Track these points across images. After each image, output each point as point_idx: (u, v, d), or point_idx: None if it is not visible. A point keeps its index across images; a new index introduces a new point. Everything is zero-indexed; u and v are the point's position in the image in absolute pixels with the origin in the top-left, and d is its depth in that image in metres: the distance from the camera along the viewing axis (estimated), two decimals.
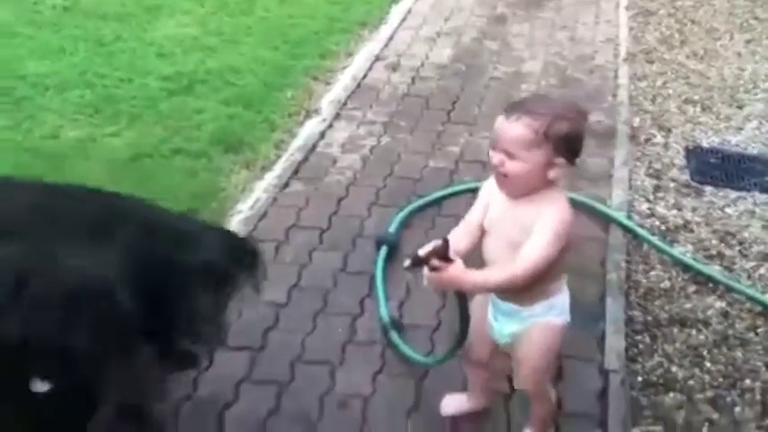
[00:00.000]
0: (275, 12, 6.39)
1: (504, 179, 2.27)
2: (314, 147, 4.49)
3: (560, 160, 2.23)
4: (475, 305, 2.62)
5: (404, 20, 6.30)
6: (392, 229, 3.72)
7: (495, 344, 2.59)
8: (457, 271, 2.16)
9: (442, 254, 2.15)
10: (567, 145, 2.23)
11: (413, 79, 5.38)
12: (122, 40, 5.68)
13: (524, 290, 2.33)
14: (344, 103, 4.98)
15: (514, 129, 2.19)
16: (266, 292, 3.12)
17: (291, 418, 2.82)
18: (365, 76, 5.35)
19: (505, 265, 2.29)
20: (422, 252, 2.15)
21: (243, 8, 6.40)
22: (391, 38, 5.96)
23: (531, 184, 2.26)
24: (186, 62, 5.41)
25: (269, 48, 5.73)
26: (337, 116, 4.84)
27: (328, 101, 5.07)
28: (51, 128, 4.58)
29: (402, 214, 3.86)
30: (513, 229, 2.29)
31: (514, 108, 2.24)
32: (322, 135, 4.61)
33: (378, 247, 3.62)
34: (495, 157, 2.25)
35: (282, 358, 3.05)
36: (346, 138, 4.62)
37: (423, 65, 5.59)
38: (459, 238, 2.36)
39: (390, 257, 3.57)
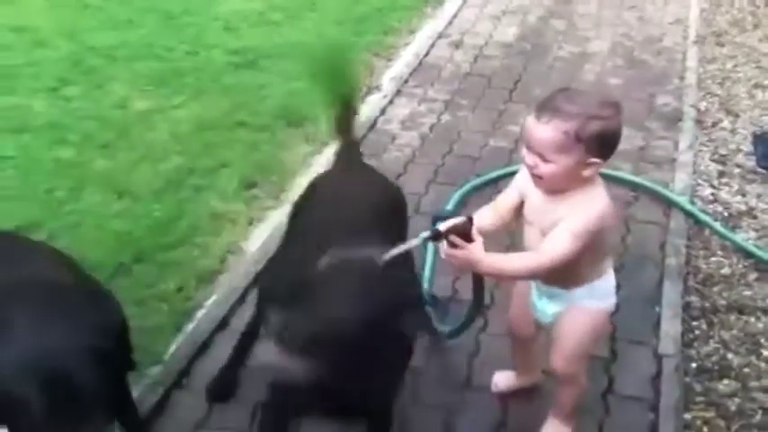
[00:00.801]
0: None
1: (539, 180, 2.26)
2: (374, 123, 4.51)
3: (595, 159, 2.21)
4: (519, 283, 2.64)
5: None
6: (449, 206, 3.73)
7: (538, 323, 2.60)
8: (475, 251, 2.15)
9: (463, 232, 2.14)
10: (601, 144, 2.20)
11: (476, 58, 5.35)
12: (189, 13, 5.76)
13: (565, 274, 2.33)
14: (406, 80, 4.99)
15: (545, 132, 2.17)
16: None
17: None
18: (427, 54, 5.35)
19: (524, 255, 2.31)
20: (443, 227, 2.15)
21: None
22: (455, 15, 5.93)
23: (566, 184, 2.24)
24: (252, 37, 5.47)
25: (332, 24, 5.75)
26: (398, 93, 4.85)
27: (389, 77, 5.09)
28: (119, 98, 4.69)
29: (460, 192, 3.87)
30: (547, 221, 2.28)
31: (545, 108, 2.19)
32: (382, 111, 4.64)
33: (434, 224, 3.63)
34: (529, 159, 2.23)
35: None
36: (406, 115, 4.64)
37: (486, 43, 5.56)
38: (483, 218, 2.37)
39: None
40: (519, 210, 2.41)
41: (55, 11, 5.68)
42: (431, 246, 3.44)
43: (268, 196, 3.97)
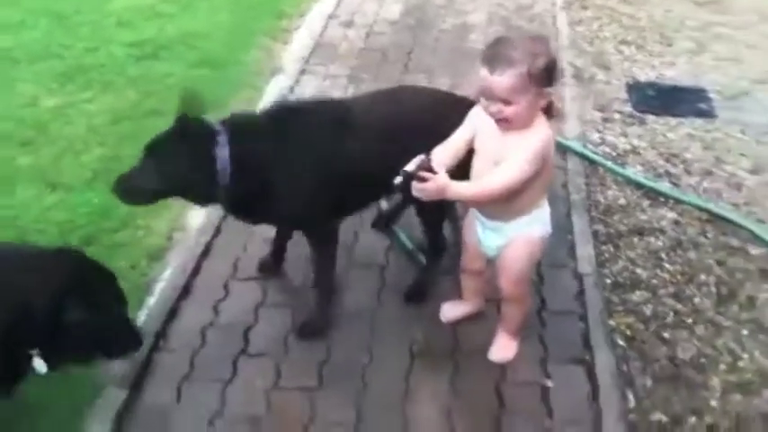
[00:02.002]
0: None
1: (505, 123, 2.57)
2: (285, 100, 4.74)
3: (547, 90, 2.56)
4: (466, 226, 2.98)
5: None
6: None
7: (486, 256, 2.94)
8: (441, 180, 2.49)
9: (427, 167, 2.47)
10: (548, 75, 2.55)
11: (367, 35, 5.67)
12: (81, 12, 5.79)
13: (507, 206, 2.68)
14: (307, 60, 5.24)
15: (503, 81, 2.48)
16: (265, 228, 3.48)
17: None
18: (321, 34, 5.62)
19: (484, 180, 2.64)
20: (409, 168, 2.48)
21: None
22: None
23: (529, 118, 2.58)
24: (147, 29, 5.57)
25: (223, 12, 5.92)
26: (302, 72, 5.11)
27: (290, 59, 5.31)
28: (29, 97, 4.72)
29: None
30: (500, 152, 2.61)
31: (494, 60, 2.50)
32: (291, 90, 4.88)
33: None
34: (493, 107, 2.55)
35: (292, 285, 3.37)
36: (314, 91, 4.89)
37: (375, 21, 5.88)
38: (443, 154, 2.68)
39: None
40: (470, 143, 2.73)
41: None
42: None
43: None
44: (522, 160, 2.56)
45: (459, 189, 2.55)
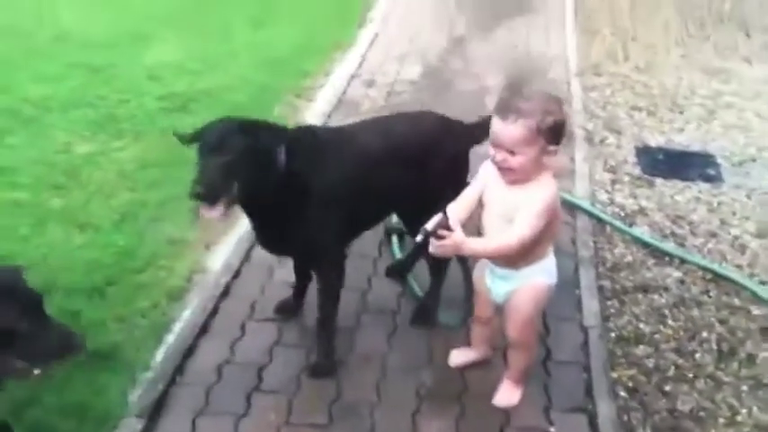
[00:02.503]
0: (251, 38, 6.86)
1: (509, 172, 2.74)
2: None
3: (552, 147, 2.73)
4: (476, 276, 3.13)
5: (372, 42, 6.83)
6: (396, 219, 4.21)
7: (495, 304, 3.08)
8: (458, 238, 2.64)
9: (445, 225, 2.63)
10: (556, 133, 2.72)
11: (388, 93, 5.90)
12: (114, 66, 6.08)
13: (517, 256, 2.83)
14: (329, 116, 5.46)
15: (514, 130, 2.65)
16: (284, 272, 3.66)
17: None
18: (344, 92, 5.85)
19: (499, 236, 2.78)
20: (429, 226, 2.64)
21: (221, 36, 6.86)
22: (364, 58, 6.48)
23: (532, 171, 2.73)
24: (177, 84, 5.84)
25: (251, 69, 6.18)
26: None
27: (313, 114, 5.54)
28: (62, 144, 4.95)
29: None
30: (508, 206, 2.77)
31: (507, 110, 2.67)
32: None
33: (388, 235, 4.11)
34: (499, 155, 2.72)
35: (307, 327, 3.51)
36: None
37: (395, 81, 6.12)
38: (458, 210, 2.84)
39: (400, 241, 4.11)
40: (479, 200, 2.90)
41: None
42: (397, 250, 3.99)
43: (219, 224, 4.31)
44: (533, 216, 2.71)
45: (474, 246, 2.72)
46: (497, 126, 2.68)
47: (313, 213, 3.01)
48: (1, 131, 5.04)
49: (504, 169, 2.73)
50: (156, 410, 3.04)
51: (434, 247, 2.65)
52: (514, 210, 2.74)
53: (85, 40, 6.53)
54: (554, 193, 2.78)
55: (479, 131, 3.14)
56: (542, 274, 2.93)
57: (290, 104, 5.68)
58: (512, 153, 2.67)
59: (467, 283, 2.94)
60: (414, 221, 2.90)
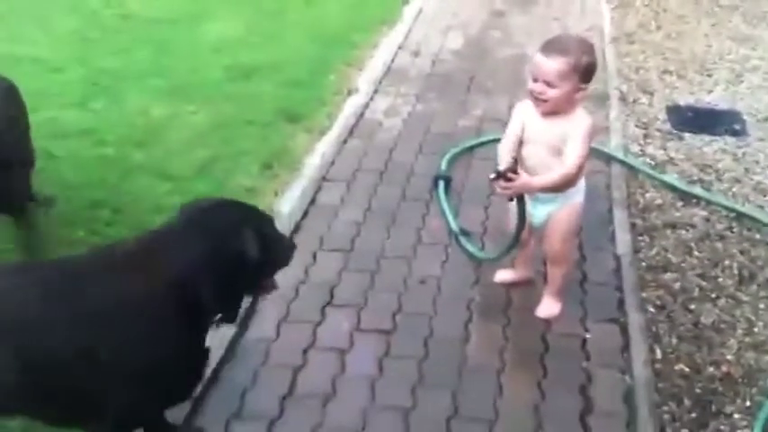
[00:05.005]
0: (304, 14, 7.33)
1: (544, 103, 3.16)
2: (362, 114, 5.41)
3: (584, 85, 3.15)
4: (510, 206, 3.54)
5: (416, 17, 7.26)
6: (443, 167, 4.66)
7: (533, 227, 3.50)
8: (526, 179, 3.07)
9: (514, 169, 3.06)
10: (588, 73, 3.15)
11: (433, 62, 6.33)
12: (179, 40, 6.58)
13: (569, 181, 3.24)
14: (380, 82, 5.90)
15: (553, 65, 3.07)
16: (346, 213, 4.15)
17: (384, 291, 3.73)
18: (393, 61, 6.29)
19: (557, 169, 3.17)
20: (502, 168, 3.05)
21: (275, 12, 7.34)
22: (409, 31, 6.91)
23: (564, 105, 3.16)
24: (238, 56, 6.32)
25: (305, 43, 6.64)
26: (375, 92, 5.76)
27: (365, 81, 5.99)
28: (139, 108, 5.46)
29: (447, 158, 4.79)
30: (553, 138, 3.18)
31: (550, 47, 3.11)
32: (366, 106, 5.53)
33: (435, 182, 4.55)
34: (538, 87, 3.14)
35: (370, 256, 3.97)
36: (387, 107, 5.54)
37: (440, 51, 6.54)
38: (507, 152, 3.28)
39: (446, 189, 4.52)
40: (520, 136, 3.32)
41: (59, 44, 6.43)
42: (443, 197, 4.36)
43: (285, 173, 4.79)
44: (582, 142, 3.13)
45: (542, 182, 3.15)
46: (540, 59, 3.10)
47: None
48: (84, 98, 5.55)
49: (539, 100, 3.15)
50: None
51: (501, 188, 3.05)
52: (560, 140, 3.15)
53: (149, 17, 7.04)
54: (591, 121, 3.20)
55: None
56: (577, 193, 3.36)
57: (342, 73, 6.13)
58: (549, 85, 3.09)
59: (520, 219, 3.32)
60: None
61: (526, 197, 3.40)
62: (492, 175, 3.04)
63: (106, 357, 2.38)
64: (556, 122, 3.19)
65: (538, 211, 3.43)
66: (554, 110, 3.17)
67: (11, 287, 2.47)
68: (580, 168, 3.17)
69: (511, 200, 3.20)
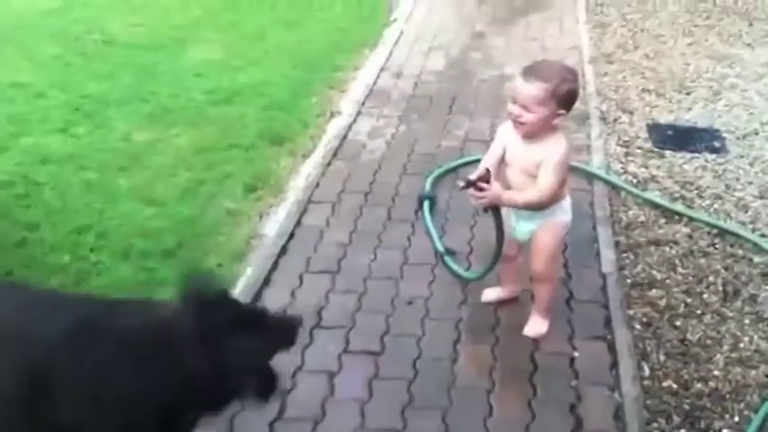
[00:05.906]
0: (285, 38, 7.36)
1: (521, 126, 3.20)
2: (345, 136, 5.42)
3: (562, 111, 3.18)
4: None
5: (398, 39, 7.30)
6: (427, 188, 4.68)
7: (519, 242, 3.53)
8: (497, 191, 3.11)
9: (486, 179, 3.09)
10: (567, 100, 3.18)
11: (416, 84, 6.37)
12: (162, 65, 6.59)
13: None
14: (362, 104, 5.93)
15: (531, 89, 3.10)
16: (332, 234, 4.16)
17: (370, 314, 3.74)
18: (375, 83, 6.32)
19: (530, 190, 3.23)
20: (473, 177, 3.10)
21: (256, 36, 7.37)
22: (391, 53, 6.95)
23: (540, 129, 3.19)
24: (220, 80, 6.33)
25: (287, 66, 6.67)
26: (358, 114, 5.78)
27: (348, 103, 6.02)
28: (122, 133, 5.45)
29: (431, 178, 4.81)
30: (529, 162, 3.23)
31: (530, 72, 3.14)
32: (349, 128, 5.55)
33: (420, 202, 4.56)
34: (515, 109, 3.18)
35: (357, 277, 3.97)
36: (370, 129, 5.57)
37: (422, 72, 6.59)
38: (483, 164, 3.31)
39: (431, 208, 4.54)
40: (501, 159, 3.35)
41: (42, 69, 6.41)
42: (428, 216, 4.38)
43: (269, 196, 4.79)
44: (553, 169, 3.16)
45: (511, 198, 3.20)
46: (519, 83, 3.13)
47: None
48: (66, 123, 5.53)
49: (516, 123, 3.18)
50: None
51: (473, 197, 3.10)
52: (535, 166, 3.19)
53: (131, 43, 7.05)
54: (567, 148, 3.24)
55: None
56: (561, 212, 3.39)
57: (325, 95, 6.16)
58: (526, 109, 3.12)
59: (498, 232, 3.36)
60: None
61: (511, 212, 3.44)
62: (461, 183, 3.09)
63: None
64: (533, 147, 3.23)
65: (520, 227, 3.46)
66: (531, 133, 3.20)
67: None
68: (553, 192, 3.20)
69: (486, 211, 3.25)
